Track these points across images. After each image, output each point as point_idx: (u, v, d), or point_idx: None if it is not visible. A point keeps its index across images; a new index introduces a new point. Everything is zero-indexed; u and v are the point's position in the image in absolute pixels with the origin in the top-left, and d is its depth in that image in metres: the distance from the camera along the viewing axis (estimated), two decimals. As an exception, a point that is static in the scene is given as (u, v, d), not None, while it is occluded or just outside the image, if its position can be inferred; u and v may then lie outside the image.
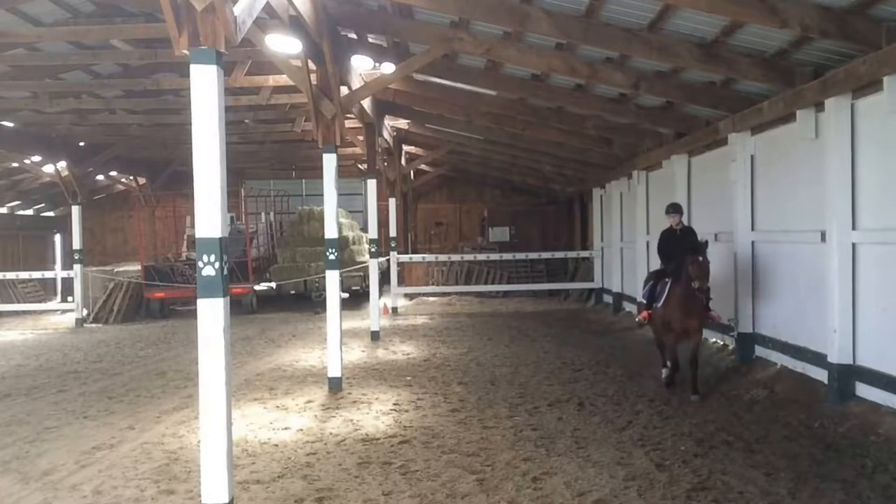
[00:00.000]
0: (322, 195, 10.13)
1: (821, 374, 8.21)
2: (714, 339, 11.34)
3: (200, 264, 4.97)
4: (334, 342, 9.76)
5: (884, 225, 7.26)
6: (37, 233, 26.33)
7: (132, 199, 25.68)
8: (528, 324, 16.29)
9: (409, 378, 10.33)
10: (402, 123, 18.84)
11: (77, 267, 19.08)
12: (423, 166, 24.57)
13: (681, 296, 8.69)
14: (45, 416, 8.65)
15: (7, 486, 6.13)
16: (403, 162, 21.81)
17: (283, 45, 9.39)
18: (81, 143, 19.50)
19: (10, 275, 21.21)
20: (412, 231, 27.26)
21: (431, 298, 22.27)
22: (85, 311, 19.03)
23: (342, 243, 18.88)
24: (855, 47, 7.30)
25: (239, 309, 18.73)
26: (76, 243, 19.17)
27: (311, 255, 20.46)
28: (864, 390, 7.48)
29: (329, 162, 9.81)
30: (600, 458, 6.45)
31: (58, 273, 23.98)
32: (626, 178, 16.18)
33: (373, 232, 15.28)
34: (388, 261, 20.46)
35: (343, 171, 18.81)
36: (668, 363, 9.42)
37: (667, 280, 9.06)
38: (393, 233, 20.14)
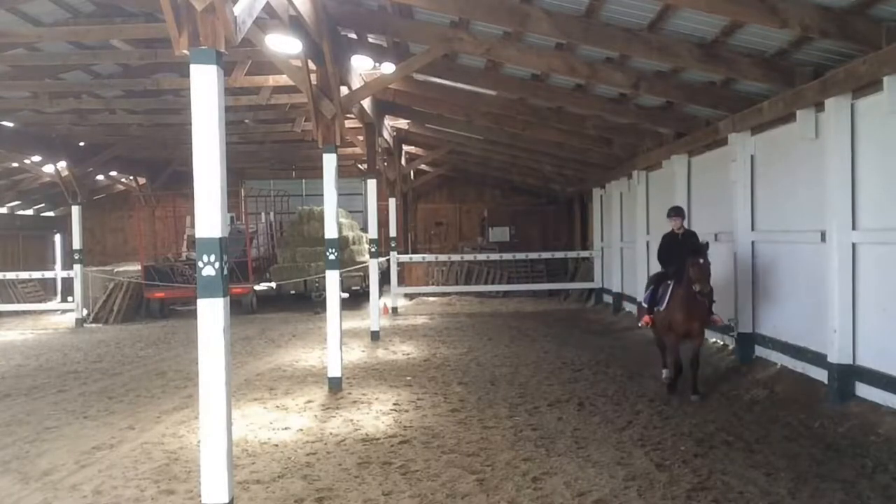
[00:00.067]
0: (322, 195, 10.13)
1: (821, 374, 8.21)
2: (714, 339, 11.34)
3: (200, 264, 4.97)
4: (334, 342, 9.76)
5: (884, 225, 7.26)
6: (37, 233, 26.33)
7: (132, 199, 25.68)
8: (528, 324, 16.29)
9: (409, 378, 10.33)
10: (402, 123, 18.85)
11: (77, 267, 19.08)
12: (423, 166, 24.57)
13: (683, 298, 8.58)
14: (45, 416, 8.65)
15: (7, 486, 6.13)
16: (403, 162, 21.81)
17: (283, 45, 9.38)
18: (81, 143, 19.50)
19: (10, 275, 21.21)
20: (412, 231, 27.26)
21: (431, 298, 22.27)
22: (85, 311, 19.03)
23: (342, 243, 18.88)
24: (855, 47, 7.30)
25: (239, 309, 18.73)
26: (76, 243, 19.17)
27: (311, 255, 20.46)
28: (864, 390, 7.48)
29: (329, 162, 9.81)
30: (600, 458, 6.45)
31: (58, 273, 23.98)
32: (626, 178, 16.18)
33: (373, 232, 15.28)
34: (388, 261, 20.46)
35: (343, 171, 18.81)
36: (669, 365, 9.41)
37: (669, 282, 8.97)
38: (393, 233, 20.14)
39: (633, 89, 10.45)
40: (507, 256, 21.68)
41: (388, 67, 12.11)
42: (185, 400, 9.25)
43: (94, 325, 18.78)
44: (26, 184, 23.71)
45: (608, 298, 18.60)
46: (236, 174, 25.60)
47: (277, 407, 8.79)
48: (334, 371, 9.72)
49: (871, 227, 7.48)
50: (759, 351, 10.00)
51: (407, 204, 26.40)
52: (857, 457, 6.25)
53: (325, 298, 10.27)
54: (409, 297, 22.30)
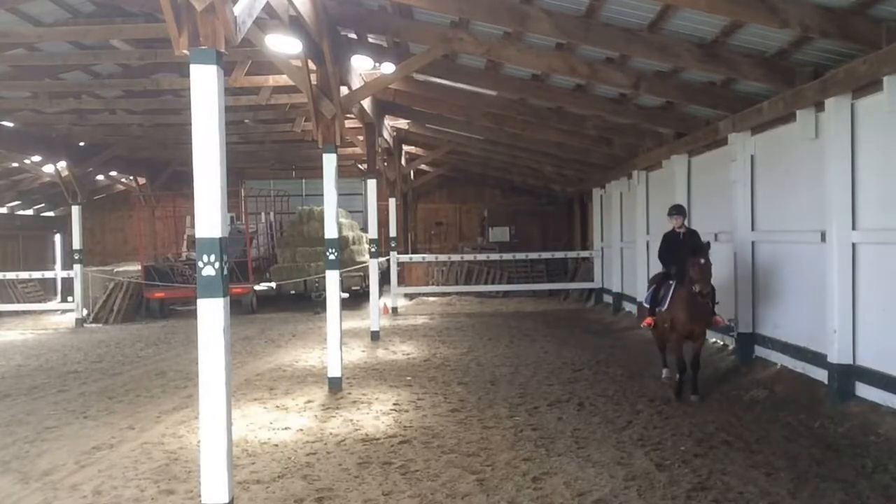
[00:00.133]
0: (322, 195, 10.13)
1: (821, 375, 8.21)
2: (714, 340, 11.34)
3: (200, 264, 4.97)
4: (334, 342, 9.76)
5: (884, 225, 7.26)
6: (37, 233, 26.33)
7: (132, 199, 25.67)
8: (528, 324, 16.29)
9: (409, 378, 10.33)
10: (402, 123, 18.84)
11: (77, 267, 19.07)
12: (423, 166, 24.57)
13: (685, 299, 8.48)
14: (45, 416, 8.65)
15: (7, 486, 6.13)
16: (403, 162, 21.81)
17: (283, 45, 9.38)
18: (81, 143, 19.49)
19: (10, 275, 21.20)
20: (412, 231, 27.26)
21: (431, 298, 22.27)
22: (85, 311, 19.02)
23: (342, 243, 18.88)
24: (855, 47, 7.30)
25: (239, 309, 18.73)
26: (76, 243, 19.17)
27: (311, 255, 20.46)
28: (864, 390, 7.48)
29: (329, 162, 9.81)
30: (600, 457, 6.45)
31: (58, 273, 23.97)
32: (626, 178, 16.18)
33: (373, 232, 15.27)
34: (388, 261, 20.46)
35: (343, 171, 18.80)
36: (670, 365, 9.38)
37: (670, 283, 8.88)
38: (393, 233, 20.13)
39: (633, 89, 10.45)
40: (507, 256, 21.68)
41: (388, 67, 12.11)
42: (185, 400, 9.25)
43: (94, 325, 18.78)
44: (26, 184, 23.71)
45: (608, 298, 18.60)
46: (236, 174, 25.61)
47: (277, 407, 8.79)
48: (334, 371, 9.72)
49: (872, 227, 7.48)
50: (759, 351, 10.00)
51: (407, 204, 26.41)
52: (857, 457, 6.25)
53: (325, 298, 10.27)
54: (409, 297, 22.30)
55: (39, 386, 10.57)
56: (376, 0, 10.32)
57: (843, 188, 7.72)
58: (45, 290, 23.95)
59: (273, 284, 20.54)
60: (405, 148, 21.76)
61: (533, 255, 21.75)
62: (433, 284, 22.37)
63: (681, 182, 12.54)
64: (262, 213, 25.23)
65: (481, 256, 22.06)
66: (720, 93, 10.04)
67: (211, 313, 5.00)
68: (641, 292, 14.70)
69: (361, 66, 12.37)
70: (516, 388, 9.45)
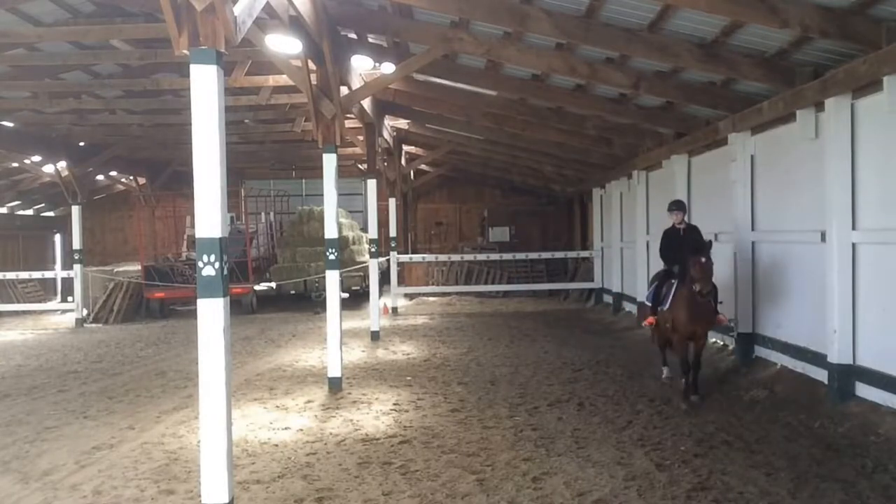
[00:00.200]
0: (322, 195, 10.13)
1: (821, 375, 8.21)
2: (714, 339, 11.33)
3: (200, 264, 4.97)
4: (334, 342, 9.76)
5: (884, 225, 7.26)
6: (37, 233, 26.33)
7: (132, 199, 25.67)
8: (528, 324, 16.29)
9: (409, 378, 10.33)
10: (402, 123, 18.84)
11: (77, 267, 19.07)
12: (423, 166, 24.57)
13: (687, 299, 8.31)
14: (45, 416, 8.65)
15: (7, 486, 6.13)
16: (403, 162, 21.81)
17: (283, 45, 9.38)
18: (81, 143, 19.49)
19: (10, 275, 21.20)
20: (412, 231, 27.26)
21: (431, 298, 22.27)
22: (85, 311, 19.02)
23: (342, 243, 18.88)
24: (855, 47, 7.30)
25: (239, 309, 18.73)
26: (76, 243, 19.17)
27: (311, 255, 20.46)
28: (864, 390, 7.48)
29: (329, 162, 9.81)
30: (600, 457, 6.45)
31: (58, 273, 23.97)
32: (626, 178, 16.18)
33: (373, 232, 15.27)
34: (388, 261, 20.46)
35: (343, 171, 18.80)
36: (669, 364, 9.36)
37: (673, 281, 8.77)
38: (393, 233, 20.13)
39: (633, 89, 10.45)
40: (507, 256, 21.68)
41: (388, 67, 12.11)
42: (185, 400, 9.25)
43: (94, 325, 18.78)
44: (26, 184, 23.71)
45: (608, 298, 18.60)
46: (236, 174, 25.60)
47: (277, 407, 8.79)
48: (334, 371, 9.72)
49: (872, 227, 7.48)
50: (759, 351, 10.00)
51: (407, 204, 26.41)
52: (857, 457, 6.25)
53: (324, 298, 10.27)
54: (409, 297, 22.30)
55: (39, 386, 10.57)
56: (376, 0, 10.32)
57: (843, 188, 7.72)
58: (45, 290, 23.95)
59: (273, 284, 20.54)
60: (405, 148, 21.76)
61: (533, 256, 21.75)
62: (433, 284, 22.37)
63: (681, 182, 12.54)
64: (262, 213, 25.23)
65: (481, 256, 22.06)
66: (720, 93, 10.04)
67: (211, 313, 5.00)
68: (641, 292, 14.71)
69: (361, 66, 12.37)
70: (516, 388, 9.45)
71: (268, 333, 15.72)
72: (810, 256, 8.65)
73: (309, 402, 9.03)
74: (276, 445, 7.12)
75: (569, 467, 6.22)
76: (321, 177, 10.05)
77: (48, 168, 20.21)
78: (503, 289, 21.75)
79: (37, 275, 22.47)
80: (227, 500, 4.94)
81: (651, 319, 9.27)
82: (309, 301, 20.21)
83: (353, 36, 11.80)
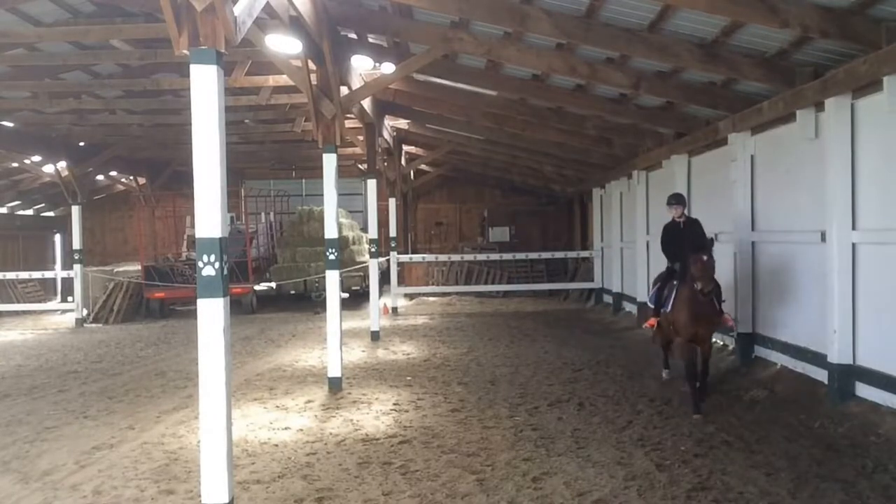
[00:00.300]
0: (322, 195, 10.13)
1: (821, 375, 8.21)
2: (714, 339, 11.30)
3: (200, 264, 4.97)
4: (334, 342, 9.76)
5: (884, 225, 7.26)
6: (37, 233, 26.33)
7: (132, 199, 25.68)
8: (528, 324, 16.29)
9: (409, 378, 10.33)
10: (402, 123, 18.84)
11: (77, 267, 19.07)
12: (423, 166, 24.57)
13: (688, 299, 8.05)
14: (45, 416, 8.65)
15: (7, 486, 6.13)
16: (403, 162, 21.82)
17: (283, 45, 9.38)
18: (81, 143, 19.50)
19: (10, 275, 21.20)
20: (412, 231, 27.27)
21: (431, 298, 22.27)
22: (85, 311, 19.02)
23: (342, 243, 18.88)
24: (855, 47, 7.30)
25: (239, 309, 18.73)
26: (76, 243, 19.17)
27: (311, 255, 20.47)
28: (864, 390, 7.48)
29: (329, 162, 9.80)
30: (600, 458, 6.45)
31: (58, 273, 23.97)
32: (626, 177, 16.18)
33: (373, 232, 15.27)
34: (388, 261, 20.46)
35: (343, 171, 18.77)
36: (670, 367, 9.25)
37: (674, 283, 8.56)
38: (393, 233, 20.13)
39: (633, 89, 10.45)
40: (507, 256, 21.69)
41: (388, 67, 12.11)
42: (185, 400, 9.25)
43: (94, 325, 18.78)
44: (26, 184, 23.71)
45: (608, 298, 18.60)
46: (236, 174, 25.62)
47: (277, 407, 8.78)
48: (334, 371, 9.72)
49: (872, 227, 7.48)
50: (759, 351, 10.00)
51: (407, 204, 26.41)
52: (857, 457, 6.25)
53: (324, 298, 10.26)
54: (409, 297, 22.30)
55: (39, 386, 10.57)
56: (376, 0, 10.32)
57: (843, 188, 7.71)
58: (45, 290, 23.95)
59: (273, 284, 20.54)
60: (405, 148, 21.76)
61: (533, 256, 21.76)
62: (433, 284, 22.37)
63: (681, 182, 12.54)
64: (262, 213, 25.23)
65: (481, 256, 22.05)
66: (720, 93, 10.04)
67: (211, 313, 4.99)
68: (641, 292, 14.74)
69: (361, 66, 12.38)
70: (516, 388, 9.45)
71: (268, 333, 15.72)
72: (810, 256, 8.65)
73: (309, 402, 9.03)
74: (276, 445, 7.12)
75: (569, 467, 6.22)
76: (321, 177, 10.04)
77: (48, 168, 20.21)
78: (503, 289, 21.75)
79: (37, 275, 22.47)
80: (227, 500, 4.94)
81: (652, 321, 9.10)
82: (309, 301, 20.21)
83: (354, 36, 11.80)
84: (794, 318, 9.13)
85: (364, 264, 20.01)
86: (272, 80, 13.48)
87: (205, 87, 4.93)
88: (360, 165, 24.87)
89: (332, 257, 9.75)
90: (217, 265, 4.96)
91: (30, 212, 26.27)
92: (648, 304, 9.59)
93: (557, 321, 16.79)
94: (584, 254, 21.41)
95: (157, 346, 14.55)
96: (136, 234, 23.22)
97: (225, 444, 4.98)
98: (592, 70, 10.03)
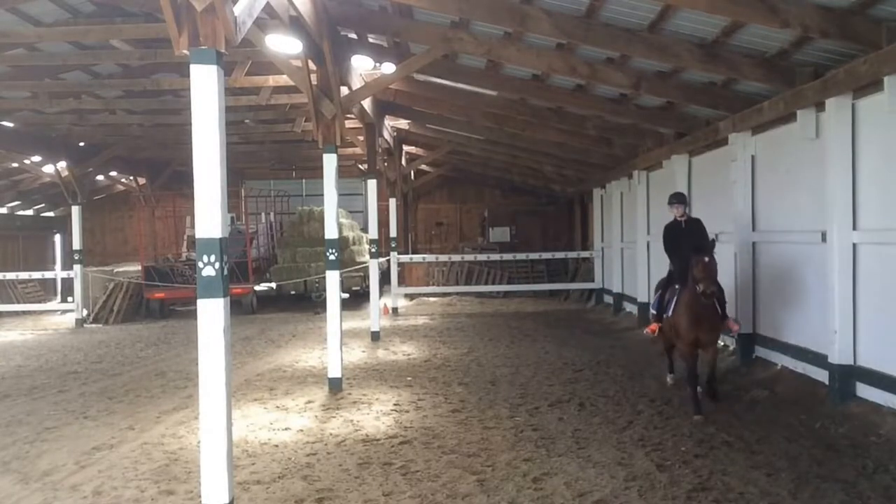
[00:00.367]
0: (322, 195, 10.12)
1: (821, 375, 8.20)
2: (714, 340, 11.32)
3: (200, 264, 4.96)
4: (334, 342, 9.76)
5: (884, 225, 7.26)
6: (37, 233, 26.34)
7: (132, 199, 25.69)
8: (528, 324, 16.29)
9: (409, 378, 10.32)
10: (403, 123, 18.84)
11: (77, 267, 19.07)
12: (423, 166, 24.57)
13: (688, 302, 7.87)
14: (45, 416, 8.65)
15: (7, 486, 6.13)
16: (404, 162, 21.81)
17: (284, 45, 9.38)
18: (81, 143, 19.50)
19: (10, 275, 21.19)
20: (412, 231, 27.27)
21: (432, 299, 22.26)
22: (85, 312, 19.02)
23: (342, 244, 18.88)
24: (855, 47, 7.30)
25: (239, 309, 18.72)
26: (76, 243, 19.16)
27: (311, 256, 20.47)
28: (864, 391, 7.48)
29: (329, 162, 9.80)
30: (601, 458, 6.44)
31: (58, 273, 23.96)
32: (627, 178, 16.18)
33: (373, 232, 15.27)
34: (388, 261, 20.46)
35: (343, 171, 18.81)
36: (675, 371, 9.19)
37: (676, 286, 8.39)
38: (393, 233, 20.12)
39: (633, 89, 10.44)
40: (507, 257, 21.69)
41: (389, 67, 12.11)
42: (185, 400, 9.24)
43: (94, 325, 18.78)
44: (26, 184, 23.72)
45: (608, 299, 18.60)
46: (236, 174, 25.61)
47: (277, 407, 8.78)
48: (334, 371, 9.71)
49: (872, 228, 7.48)
50: (760, 351, 9.99)
51: (407, 204, 26.40)
52: (857, 457, 6.24)
53: (325, 299, 10.26)
54: (410, 297, 22.29)
55: (39, 386, 10.57)
56: (377, 0, 10.32)
57: (843, 188, 7.71)
58: (45, 290, 23.95)
59: (273, 285, 20.54)
60: (405, 148, 21.75)
61: (533, 256, 21.76)
62: (433, 285, 22.37)
63: (681, 182, 12.53)
64: (262, 214, 25.22)
65: (482, 257, 22.05)
66: (720, 93, 10.04)
67: (211, 313, 4.99)
68: (642, 293, 14.74)
69: (362, 66, 12.37)
70: (517, 389, 9.44)
71: (268, 334, 15.72)
72: (811, 257, 8.64)
73: (309, 402, 9.03)
74: (277, 446, 7.11)
75: (569, 468, 6.21)
76: (321, 177, 10.04)
77: (48, 168, 20.22)
78: (503, 289, 21.74)
79: (37, 275, 22.47)
80: (227, 501, 4.94)
81: (653, 327, 8.89)
82: (309, 301, 20.21)
83: (354, 36, 11.80)
84: (795, 319, 9.13)
85: (364, 264, 20.01)
86: (272, 80, 13.48)
87: (205, 87, 4.93)
88: (360, 165, 24.87)
89: (332, 258, 9.75)
90: (217, 265, 4.95)
91: (30, 212, 26.28)
92: (651, 310, 9.45)
93: (558, 321, 16.78)
94: (585, 254, 21.41)
95: (157, 346, 14.54)
96: (136, 234, 23.24)
97: (225, 444, 4.97)
98: (592, 70, 10.02)
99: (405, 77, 12.46)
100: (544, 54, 10.05)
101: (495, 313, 18.79)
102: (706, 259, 7.65)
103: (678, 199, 8.94)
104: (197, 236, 5.00)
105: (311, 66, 9.87)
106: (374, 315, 14.41)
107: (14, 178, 23.13)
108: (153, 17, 10.85)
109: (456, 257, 22.08)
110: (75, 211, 19.19)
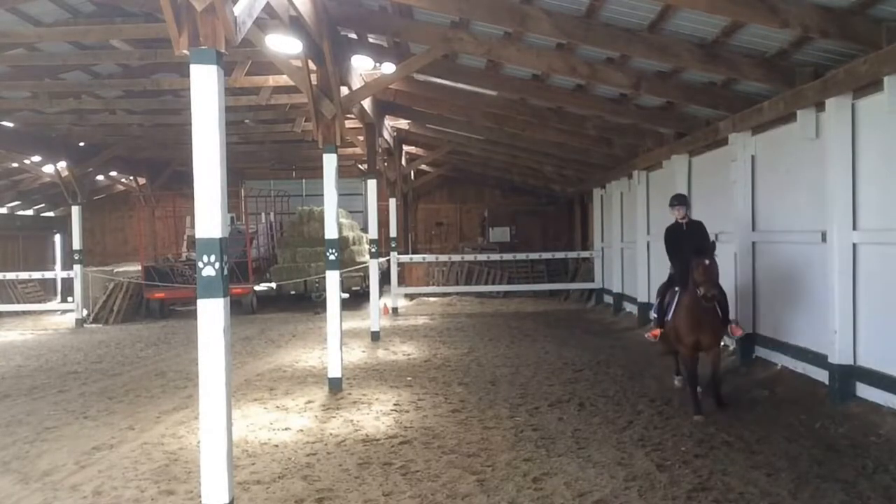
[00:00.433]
0: (322, 195, 10.12)
1: (821, 375, 8.20)
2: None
3: (200, 264, 4.96)
4: (334, 342, 9.76)
5: (884, 225, 7.26)
6: (37, 233, 26.33)
7: (132, 199, 25.68)
8: (528, 324, 16.29)
9: (409, 378, 10.32)
10: (403, 123, 18.84)
11: (77, 267, 19.07)
12: (423, 166, 24.57)
13: (688, 305, 7.82)
14: (45, 416, 8.65)
15: (7, 486, 6.13)
16: (404, 162, 21.81)
17: (284, 45, 9.38)
18: (81, 143, 19.50)
19: (10, 275, 21.19)
20: (412, 231, 27.26)
21: (432, 299, 22.26)
22: (85, 312, 19.02)
23: (342, 244, 18.88)
24: (855, 47, 7.30)
25: (239, 309, 18.72)
26: (76, 243, 19.17)
27: (311, 256, 20.47)
28: (864, 391, 7.48)
29: (329, 162, 9.80)
30: (601, 458, 6.44)
31: (58, 273, 23.96)
32: (627, 178, 16.18)
33: (373, 232, 15.27)
34: (388, 261, 20.46)
35: (343, 171, 18.80)
36: (683, 373, 9.12)
37: (676, 289, 8.34)
38: (393, 233, 20.12)
39: (633, 89, 10.44)
40: (507, 257, 21.69)
41: (389, 67, 12.11)
42: (185, 400, 9.24)
43: (94, 325, 18.77)
44: (26, 184, 23.72)
45: (608, 299, 18.59)
46: (236, 174, 25.60)
47: (277, 407, 8.78)
48: (334, 371, 9.71)
49: (872, 228, 7.48)
50: (760, 351, 9.99)
51: (407, 204, 26.40)
52: (857, 457, 6.24)
53: (325, 299, 10.26)
54: (410, 297, 22.29)
55: (39, 386, 10.57)
56: (377, 0, 10.31)
57: (843, 188, 7.71)
58: (45, 290, 23.95)
59: (273, 285, 20.54)
60: (405, 148, 21.75)
61: (533, 256, 21.76)
62: (433, 285, 22.36)
63: (681, 182, 12.53)
64: (262, 214, 25.22)
65: (482, 257, 22.05)
66: (720, 93, 10.04)
67: (211, 313, 4.99)
68: (642, 293, 14.75)
69: (361, 66, 12.37)
70: (517, 389, 9.44)
71: (268, 334, 15.72)
72: (811, 257, 8.64)
73: (309, 402, 9.03)
74: (277, 446, 7.11)
75: (569, 468, 6.21)
76: (321, 177, 10.04)
77: (48, 168, 20.21)
78: (503, 289, 21.74)
79: (37, 275, 22.46)
80: (227, 501, 4.94)
81: (655, 332, 8.84)
82: (309, 301, 20.20)
83: (354, 36, 11.80)
84: (795, 319, 9.13)
85: (364, 264, 20.00)
86: (272, 80, 13.48)
87: (205, 87, 4.93)
88: (360, 165, 24.86)
89: (332, 258, 9.75)
90: (217, 265, 4.95)
91: (30, 212, 26.28)
92: (653, 314, 9.39)
93: (558, 321, 16.78)
94: (585, 254, 21.41)
95: (157, 346, 14.54)
96: (136, 234, 23.24)
97: (225, 444, 4.98)
98: (592, 70, 10.02)
99: (405, 77, 12.46)
100: (544, 54, 10.05)
101: (495, 313, 18.79)
102: (706, 262, 7.59)
103: (680, 200, 8.88)
104: (197, 236, 5.00)
105: (311, 66, 9.87)
106: (374, 315, 14.42)
107: (14, 178, 23.13)
108: (153, 17, 10.84)
109: (456, 257, 22.08)
110: (75, 211, 19.19)
